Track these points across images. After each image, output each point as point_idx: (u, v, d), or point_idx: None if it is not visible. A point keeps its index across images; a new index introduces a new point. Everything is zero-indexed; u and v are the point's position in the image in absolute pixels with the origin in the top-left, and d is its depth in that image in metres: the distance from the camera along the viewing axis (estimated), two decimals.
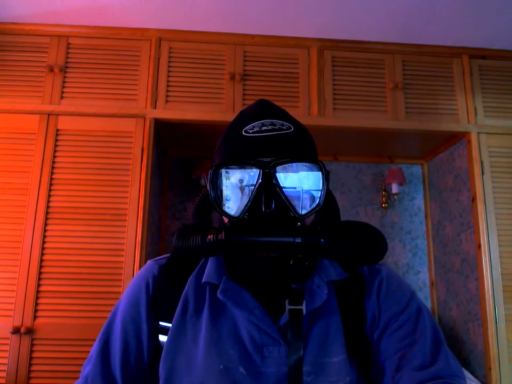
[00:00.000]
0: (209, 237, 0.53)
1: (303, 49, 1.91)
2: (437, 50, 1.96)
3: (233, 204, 0.56)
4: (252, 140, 0.57)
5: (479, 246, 1.79)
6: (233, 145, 0.59)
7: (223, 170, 0.57)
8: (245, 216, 0.54)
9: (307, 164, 0.56)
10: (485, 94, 1.95)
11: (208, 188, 0.56)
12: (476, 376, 1.81)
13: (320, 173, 0.56)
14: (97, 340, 0.65)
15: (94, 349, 0.64)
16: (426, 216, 2.38)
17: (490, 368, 1.69)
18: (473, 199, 1.86)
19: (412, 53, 1.96)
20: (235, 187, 0.56)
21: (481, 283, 1.77)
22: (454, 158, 2.09)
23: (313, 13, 1.73)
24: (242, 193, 0.56)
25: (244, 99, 1.83)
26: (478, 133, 1.89)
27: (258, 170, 0.54)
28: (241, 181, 0.56)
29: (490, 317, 1.71)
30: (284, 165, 0.54)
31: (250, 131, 0.58)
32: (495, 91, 1.95)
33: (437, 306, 2.27)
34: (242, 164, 0.56)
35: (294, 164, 0.55)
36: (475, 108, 1.92)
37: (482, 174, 1.84)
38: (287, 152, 0.56)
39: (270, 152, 0.55)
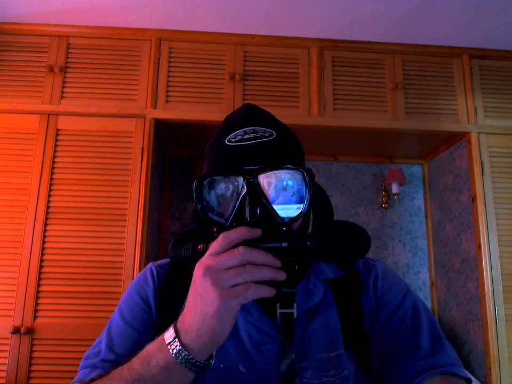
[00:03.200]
0: (199, 246, 0.54)
1: (303, 49, 1.91)
2: (437, 50, 1.96)
3: (219, 213, 0.57)
4: (235, 148, 0.58)
5: (479, 246, 1.79)
6: (217, 155, 0.60)
7: (208, 181, 0.57)
8: (233, 224, 0.54)
9: (290, 171, 0.56)
10: (485, 94, 1.95)
11: (194, 198, 0.57)
12: (476, 376, 1.81)
13: (303, 179, 0.56)
14: (107, 325, 0.67)
15: (100, 336, 0.66)
16: (426, 216, 2.38)
17: (490, 368, 1.69)
18: (473, 199, 1.86)
19: (412, 53, 1.95)
20: (220, 197, 0.57)
21: (481, 283, 1.77)
22: (454, 158, 2.09)
23: (313, 13, 1.73)
24: (227, 202, 0.56)
25: (244, 99, 1.83)
26: (478, 133, 1.89)
27: (241, 180, 0.54)
28: (225, 190, 0.57)
29: (490, 317, 1.71)
30: (266, 173, 0.55)
31: (233, 140, 0.59)
32: (495, 91, 1.95)
33: (437, 306, 2.27)
34: (225, 173, 0.57)
35: (277, 171, 0.56)
36: (475, 108, 1.92)
37: (482, 174, 1.84)
38: (269, 160, 0.57)
39: (252, 161, 0.56)
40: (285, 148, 0.60)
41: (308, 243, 0.52)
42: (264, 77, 1.87)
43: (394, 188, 2.30)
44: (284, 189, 0.57)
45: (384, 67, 1.94)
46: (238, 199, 0.54)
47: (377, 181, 2.40)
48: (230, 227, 0.54)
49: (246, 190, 0.53)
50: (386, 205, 2.35)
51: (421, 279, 2.32)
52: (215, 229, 0.58)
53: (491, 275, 1.75)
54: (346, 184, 2.39)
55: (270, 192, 0.55)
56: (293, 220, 0.55)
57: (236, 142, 0.58)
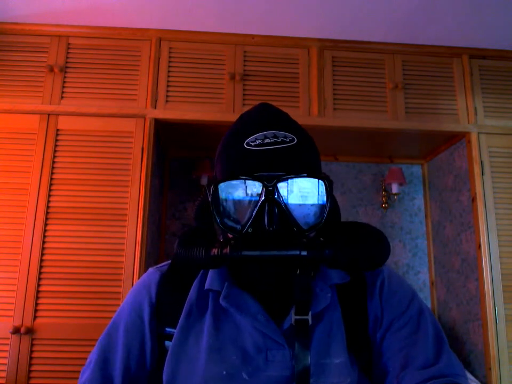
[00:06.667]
0: (213, 250, 0.52)
1: (303, 49, 1.91)
2: (437, 50, 1.96)
3: (236, 218, 0.56)
4: (255, 153, 0.56)
5: (479, 246, 1.79)
6: (235, 159, 0.57)
7: (225, 185, 0.56)
8: (248, 230, 0.53)
9: (311, 179, 0.55)
10: (485, 94, 1.95)
11: (210, 202, 0.56)
12: (475, 376, 1.81)
13: (324, 188, 0.55)
14: (96, 346, 0.64)
15: (92, 355, 0.64)
16: (426, 216, 2.38)
17: (490, 368, 1.69)
18: (473, 199, 1.86)
19: (412, 53, 1.95)
20: (237, 202, 0.56)
21: (481, 283, 1.77)
22: (454, 158, 2.09)
23: (313, 13, 1.73)
24: (244, 208, 0.55)
25: (243, 99, 1.83)
26: (478, 133, 1.89)
27: (261, 186, 0.53)
28: (243, 196, 0.55)
29: (490, 317, 1.71)
30: (287, 181, 0.54)
31: (252, 143, 0.56)
32: (495, 91, 1.95)
33: (437, 306, 2.27)
34: (244, 179, 0.55)
35: (298, 179, 0.54)
36: (475, 108, 1.92)
37: (482, 174, 1.84)
38: (290, 167, 0.55)
39: (273, 167, 0.54)
40: (306, 155, 0.58)
41: (326, 252, 0.51)
42: (264, 77, 1.87)
43: (394, 188, 2.30)
44: (304, 197, 0.55)
45: (384, 67, 1.94)
46: (256, 206, 0.53)
47: (377, 181, 2.40)
48: (246, 234, 0.53)
49: (265, 197, 0.52)
50: (386, 205, 2.35)
51: (421, 279, 2.32)
52: (231, 235, 0.57)
53: (491, 275, 1.75)
54: (346, 184, 2.39)
55: (289, 200, 0.54)
56: (311, 228, 0.53)
57: (255, 146, 0.56)
